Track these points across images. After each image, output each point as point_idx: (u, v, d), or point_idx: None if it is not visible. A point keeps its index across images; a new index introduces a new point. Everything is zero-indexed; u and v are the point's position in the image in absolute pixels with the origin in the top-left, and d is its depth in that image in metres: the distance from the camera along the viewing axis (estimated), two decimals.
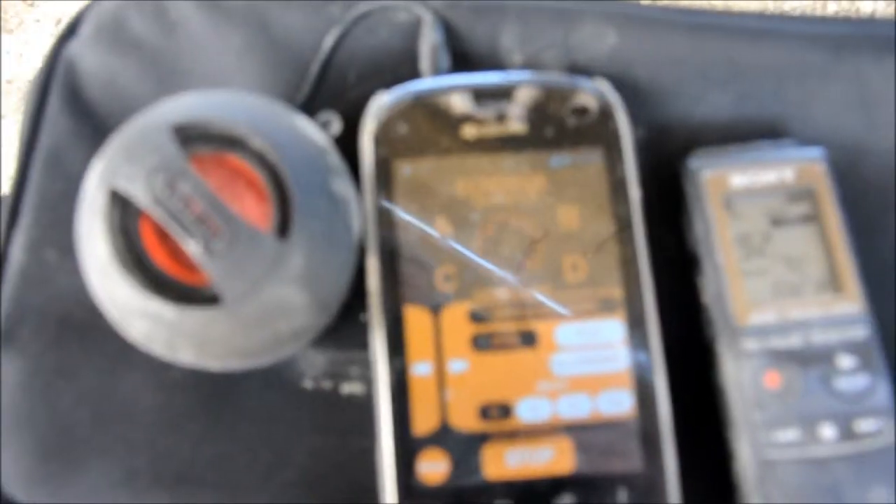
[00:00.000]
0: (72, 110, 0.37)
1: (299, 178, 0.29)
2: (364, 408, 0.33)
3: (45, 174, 0.37)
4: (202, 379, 0.34)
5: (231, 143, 0.29)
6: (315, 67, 0.36)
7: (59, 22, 0.66)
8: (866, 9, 0.58)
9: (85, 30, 0.38)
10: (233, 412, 0.34)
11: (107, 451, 0.34)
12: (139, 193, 0.28)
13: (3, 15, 0.74)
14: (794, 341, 0.31)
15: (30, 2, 0.71)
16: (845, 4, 0.58)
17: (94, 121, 0.37)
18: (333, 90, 0.37)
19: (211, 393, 0.34)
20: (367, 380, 0.34)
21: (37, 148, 0.37)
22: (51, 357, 0.35)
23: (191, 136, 0.29)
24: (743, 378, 0.31)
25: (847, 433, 0.30)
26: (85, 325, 0.35)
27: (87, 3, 0.39)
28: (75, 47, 0.38)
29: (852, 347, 0.31)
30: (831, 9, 0.58)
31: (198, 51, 0.37)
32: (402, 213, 0.33)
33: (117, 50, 0.37)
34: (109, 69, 0.37)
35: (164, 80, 0.37)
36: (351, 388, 0.35)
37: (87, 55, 0.38)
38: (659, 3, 0.38)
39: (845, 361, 0.31)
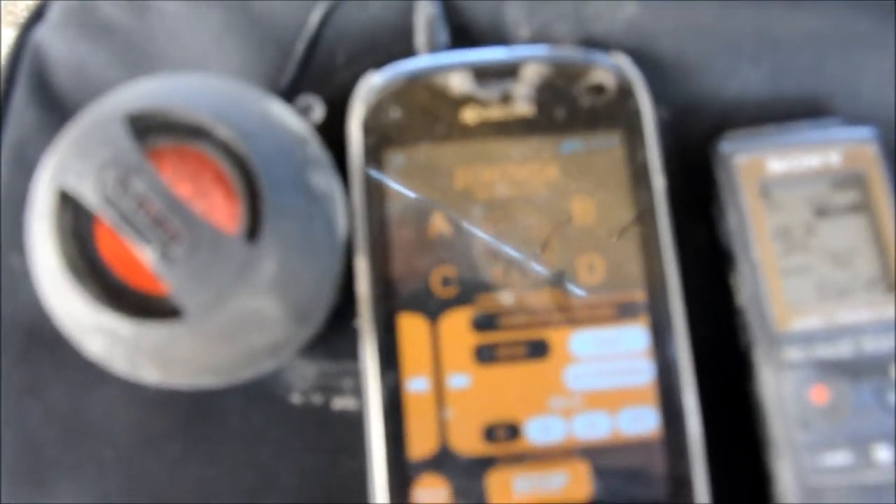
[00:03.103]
0: (39, 101, 0.34)
1: (272, 173, 0.26)
2: (357, 425, 0.30)
3: (10, 170, 0.34)
4: (180, 395, 0.31)
5: (194, 133, 0.26)
6: (300, 47, 0.33)
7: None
8: None
9: (52, 13, 0.35)
10: (214, 430, 0.32)
11: (78, 472, 0.31)
12: (89, 193, 0.25)
13: (11, 8, 0.71)
14: (843, 350, 0.28)
15: None
16: None
17: (63, 112, 0.34)
18: (321, 72, 0.33)
19: (190, 410, 0.32)
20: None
21: (2, 141, 0.34)
22: (18, 372, 0.32)
23: (148, 127, 0.26)
24: (785, 392, 0.28)
25: None
26: (54, 337, 0.32)
27: None
28: (43, 32, 0.35)
29: None
30: None
31: (173, 33, 0.34)
32: (394, 209, 0.29)
33: (87, 34, 0.34)
34: (79, 55, 0.34)
35: (137, 66, 0.34)
36: (343, 402, 0.31)
37: (55, 41, 0.35)
38: None
39: None
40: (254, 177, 0.26)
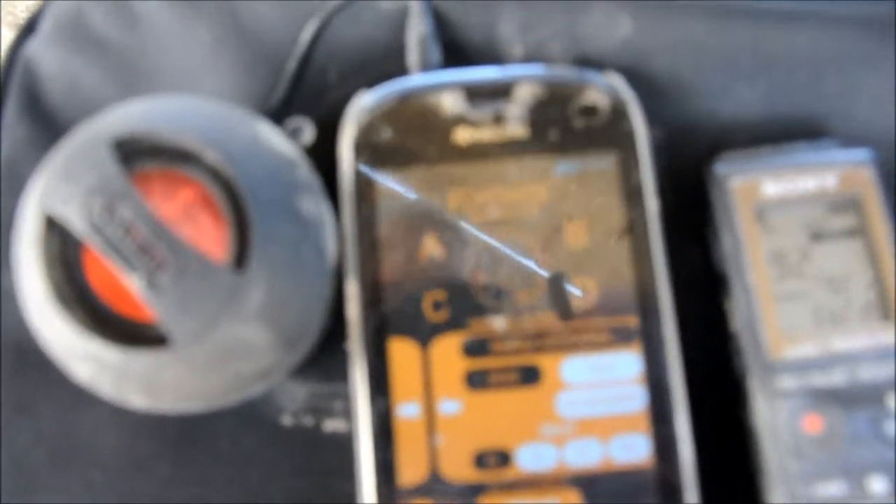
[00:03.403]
0: (31, 117, 0.34)
1: (260, 198, 0.25)
2: (348, 447, 0.30)
3: (2, 187, 0.33)
4: (170, 417, 0.31)
5: (181, 157, 0.26)
6: (291, 65, 0.33)
7: None
8: None
9: (44, 27, 0.35)
10: (204, 453, 0.31)
11: (67, 494, 0.31)
12: (74, 218, 0.25)
13: (10, 9, 0.71)
14: (837, 378, 0.27)
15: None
16: None
17: (55, 128, 0.34)
18: (313, 90, 0.33)
19: (180, 431, 0.31)
20: None
21: None
22: (8, 391, 0.32)
23: (135, 151, 0.26)
24: (778, 421, 0.27)
25: None
26: (44, 357, 0.31)
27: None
28: (34, 47, 0.35)
29: None
30: None
31: (164, 49, 0.34)
32: (385, 231, 0.29)
33: (78, 49, 0.34)
34: (70, 71, 0.34)
35: (128, 82, 0.34)
36: (334, 425, 0.31)
37: (46, 55, 0.34)
38: None
39: None
40: (242, 202, 0.25)
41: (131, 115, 0.26)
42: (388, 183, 0.29)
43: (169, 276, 0.24)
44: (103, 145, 0.25)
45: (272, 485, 0.31)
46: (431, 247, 0.29)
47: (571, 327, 0.28)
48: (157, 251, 0.24)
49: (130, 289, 0.24)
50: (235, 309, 0.24)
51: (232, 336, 0.25)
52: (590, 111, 0.30)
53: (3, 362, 0.32)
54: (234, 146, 0.26)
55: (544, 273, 0.29)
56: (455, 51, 0.32)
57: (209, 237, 0.25)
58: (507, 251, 0.29)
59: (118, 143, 0.25)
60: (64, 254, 0.25)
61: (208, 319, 0.24)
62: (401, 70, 0.32)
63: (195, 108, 0.27)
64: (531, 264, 0.29)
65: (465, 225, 0.29)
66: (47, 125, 0.34)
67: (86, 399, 0.31)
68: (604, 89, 0.30)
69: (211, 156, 0.25)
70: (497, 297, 0.28)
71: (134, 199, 0.24)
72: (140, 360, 0.25)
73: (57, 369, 0.30)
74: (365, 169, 0.29)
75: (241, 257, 0.25)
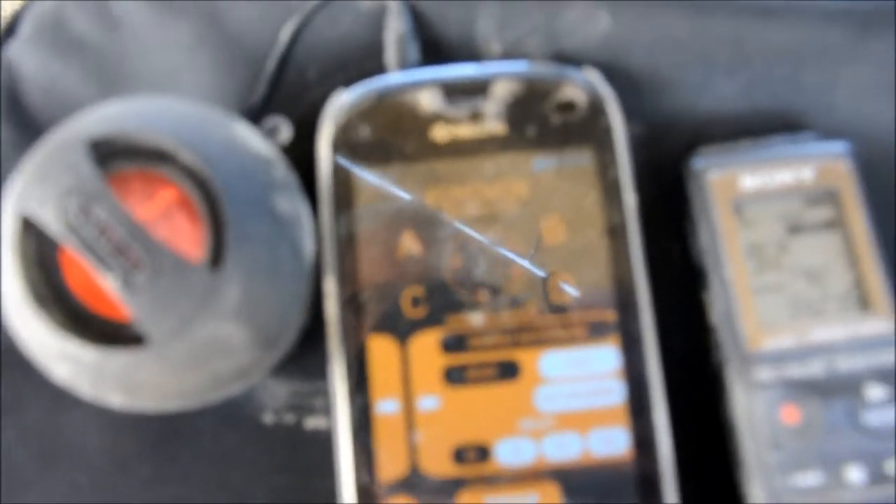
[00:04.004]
0: (11, 119, 0.34)
1: (236, 197, 0.25)
2: (330, 445, 0.30)
3: None
4: (152, 416, 0.31)
5: (157, 157, 0.26)
6: (271, 64, 0.33)
7: None
8: None
9: (24, 29, 0.35)
10: (186, 451, 0.31)
11: (50, 494, 0.31)
12: (50, 220, 0.25)
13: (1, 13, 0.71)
14: (815, 369, 0.27)
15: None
16: None
17: (36, 130, 0.34)
18: (292, 89, 0.33)
19: (162, 431, 0.31)
20: None
21: None
22: None
23: (111, 152, 0.26)
24: (756, 412, 0.27)
25: (877, 476, 0.27)
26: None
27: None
28: (14, 49, 0.35)
29: (883, 375, 0.27)
30: None
31: (144, 49, 0.34)
32: (363, 229, 0.29)
33: (58, 51, 0.34)
34: (51, 72, 0.34)
35: (108, 84, 0.34)
36: (316, 422, 0.31)
37: (26, 57, 0.34)
38: None
39: (875, 392, 0.27)
40: (217, 201, 0.25)
41: (107, 116, 0.26)
42: (367, 180, 0.29)
43: (145, 276, 0.24)
44: (79, 146, 0.25)
45: (254, 483, 0.31)
46: (409, 244, 0.29)
47: (550, 322, 0.28)
48: (132, 251, 0.24)
49: (107, 289, 0.24)
50: (212, 308, 0.25)
51: (209, 335, 0.25)
52: (567, 107, 0.30)
53: None
54: (210, 146, 0.26)
55: (526, 265, 0.29)
56: (433, 49, 0.32)
57: (185, 237, 0.25)
58: (486, 247, 0.29)
59: (94, 144, 0.25)
60: (41, 255, 0.26)
61: (185, 318, 0.24)
62: (379, 68, 0.32)
63: (170, 108, 0.27)
64: (511, 259, 0.29)
65: (443, 221, 0.29)
66: (28, 127, 0.34)
67: (69, 399, 0.31)
68: (581, 85, 0.30)
69: (186, 156, 0.25)
70: (475, 294, 0.29)
71: (109, 200, 0.24)
72: (117, 360, 0.25)
73: (41, 370, 0.30)
74: (343, 166, 0.29)
75: (217, 256, 0.25)
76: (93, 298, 0.25)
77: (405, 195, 0.29)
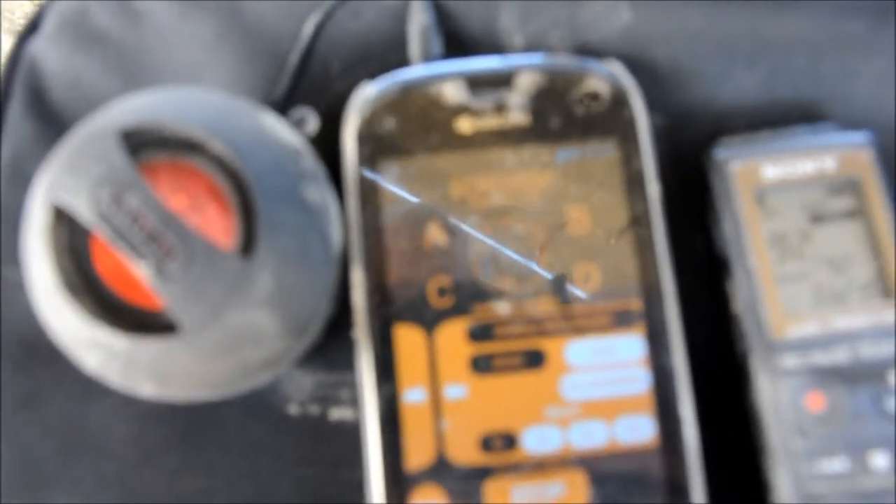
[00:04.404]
0: (35, 114, 0.34)
1: (266, 187, 0.26)
2: (355, 436, 0.30)
3: (7, 185, 0.34)
4: (178, 407, 0.31)
5: (188, 148, 0.26)
6: (294, 58, 0.33)
7: None
8: None
9: (47, 25, 0.35)
10: (211, 443, 0.31)
11: (75, 486, 0.31)
12: (83, 209, 0.25)
13: (8, 15, 0.71)
14: (839, 356, 0.28)
15: (38, 1, 0.68)
16: None
17: (60, 125, 0.34)
18: (315, 82, 0.33)
19: (187, 422, 0.32)
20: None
21: None
22: (15, 384, 0.32)
23: (142, 142, 0.26)
24: (781, 400, 0.27)
25: None
26: (51, 349, 0.32)
27: None
28: (38, 45, 0.35)
29: None
30: None
31: (166, 44, 0.34)
32: (389, 219, 0.29)
33: (82, 46, 0.34)
34: (74, 68, 0.34)
35: (131, 78, 0.34)
36: (341, 413, 0.31)
37: (50, 53, 0.35)
38: None
39: None
40: (248, 191, 0.25)
41: (137, 107, 0.26)
42: (392, 172, 0.29)
43: (177, 264, 0.24)
44: (110, 136, 0.25)
45: (280, 474, 0.31)
46: (435, 234, 0.29)
47: (575, 311, 0.28)
48: (165, 239, 0.24)
49: (139, 277, 0.25)
50: (243, 296, 0.25)
51: (240, 323, 0.25)
52: (591, 99, 0.30)
53: (11, 356, 0.32)
54: (240, 136, 0.26)
55: (543, 271, 0.29)
56: (456, 42, 0.33)
57: (216, 226, 0.26)
58: (511, 238, 0.29)
59: (125, 134, 0.25)
60: (72, 244, 0.26)
61: (216, 306, 0.25)
62: (402, 61, 0.32)
63: (200, 99, 0.27)
64: (534, 250, 0.29)
65: (468, 212, 0.29)
66: (51, 122, 0.34)
67: (94, 391, 0.31)
68: (604, 77, 0.30)
69: (217, 146, 0.26)
70: (501, 283, 0.29)
71: (141, 189, 0.25)
72: (148, 348, 0.25)
73: (65, 362, 0.30)
74: (368, 158, 0.29)
75: (247, 245, 0.25)
76: (124, 287, 0.26)
77: (430, 187, 0.29)
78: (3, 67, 0.35)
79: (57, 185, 0.25)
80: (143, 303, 0.26)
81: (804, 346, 0.28)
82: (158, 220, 0.25)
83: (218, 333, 0.25)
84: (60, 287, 0.25)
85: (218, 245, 0.25)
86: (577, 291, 0.29)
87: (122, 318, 0.25)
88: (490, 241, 0.29)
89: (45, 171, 0.26)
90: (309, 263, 0.27)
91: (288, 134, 0.28)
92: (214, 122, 0.26)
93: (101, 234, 0.25)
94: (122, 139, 0.25)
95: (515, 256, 0.29)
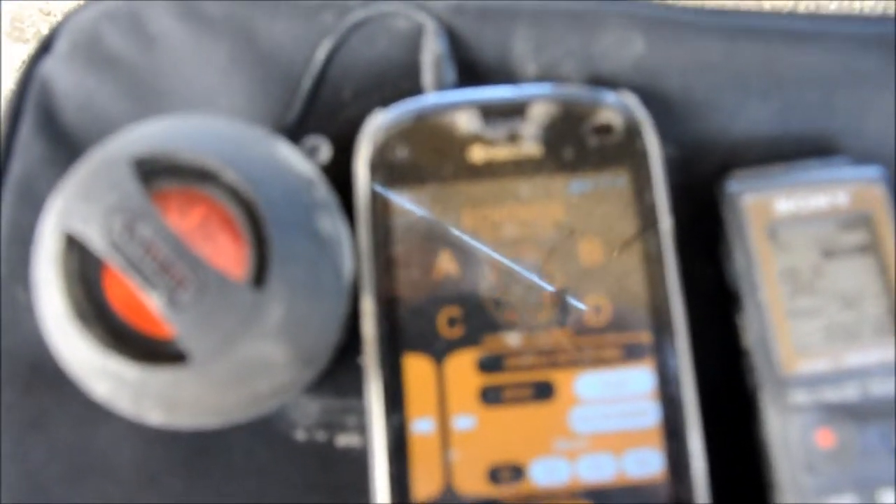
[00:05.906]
0: (46, 134, 0.34)
1: (279, 217, 0.26)
2: (362, 462, 0.30)
3: (17, 205, 0.34)
4: (184, 431, 0.31)
5: (200, 177, 0.26)
6: (306, 83, 0.33)
7: None
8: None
9: (60, 46, 0.35)
10: (217, 467, 0.31)
11: None
12: (95, 237, 0.25)
13: (17, 24, 0.71)
14: (850, 393, 0.28)
15: (46, 11, 0.68)
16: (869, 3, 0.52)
17: (70, 146, 0.34)
18: (327, 109, 0.33)
19: (193, 446, 0.31)
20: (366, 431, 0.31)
21: (8, 176, 0.34)
22: (21, 406, 0.32)
23: (154, 171, 0.26)
24: (791, 436, 0.27)
25: None
26: (58, 372, 0.32)
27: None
28: (50, 65, 0.35)
29: None
30: (868, 6, 0.53)
31: (179, 67, 0.34)
32: (400, 249, 0.29)
33: (94, 67, 0.34)
34: (86, 89, 0.34)
35: (143, 101, 0.34)
36: (347, 439, 0.31)
37: (62, 73, 0.35)
38: (688, 3, 0.33)
39: None
40: (261, 221, 0.25)
41: (150, 135, 0.26)
42: (404, 201, 0.29)
43: (189, 294, 0.24)
44: (123, 164, 0.25)
45: (285, 499, 0.31)
46: (446, 264, 0.29)
47: (585, 343, 0.28)
48: (177, 269, 0.24)
49: (150, 307, 0.25)
50: (255, 326, 0.25)
51: (251, 353, 0.25)
52: (604, 130, 0.30)
53: (17, 378, 0.32)
54: (253, 166, 0.26)
55: (551, 289, 0.29)
56: (469, 70, 0.33)
57: (228, 256, 0.26)
58: (521, 269, 0.29)
59: (138, 163, 0.25)
60: (83, 272, 0.26)
61: (228, 337, 0.24)
62: (415, 89, 0.32)
63: (214, 127, 0.27)
64: (543, 283, 0.29)
65: (479, 243, 0.29)
66: (62, 143, 0.34)
67: (100, 414, 0.31)
68: (617, 108, 0.30)
69: (230, 175, 0.26)
70: (511, 314, 0.29)
71: (154, 218, 0.25)
72: (159, 377, 0.25)
73: (72, 385, 0.30)
74: (380, 187, 0.29)
75: (260, 275, 0.25)
76: (135, 315, 0.26)
77: (442, 216, 0.29)
78: (13, 87, 0.35)
79: (69, 213, 0.25)
80: (154, 332, 0.25)
81: (814, 382, 0.28)
82: (170, 250, 0.25)
83: (228, 363, 0.25)
84: (71, 315, 0.25)
85: (230, 275, 0.25)
86: (587, 324, 0.29)
87: (132, 347, 0.25)
88: (501, 272, 0.29)
89: (57, 197, 0.26)
90: (320, 294, 0.27)
91: (301, 163, 0.28)
92: (228, 150, 0.26)
93: (112, 264, 0.25)
94: (135, 167, 0.25)
95: (526, 287, 0.29)
